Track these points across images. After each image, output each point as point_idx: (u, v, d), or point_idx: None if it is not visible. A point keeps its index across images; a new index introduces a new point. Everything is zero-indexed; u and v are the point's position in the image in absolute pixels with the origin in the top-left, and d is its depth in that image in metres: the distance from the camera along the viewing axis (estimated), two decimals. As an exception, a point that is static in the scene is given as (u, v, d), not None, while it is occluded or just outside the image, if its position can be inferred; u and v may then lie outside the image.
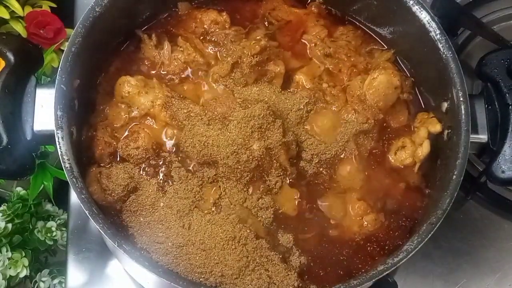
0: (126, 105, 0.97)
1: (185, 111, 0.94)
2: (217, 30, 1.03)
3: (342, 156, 0.96)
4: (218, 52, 1.02)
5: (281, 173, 0.92)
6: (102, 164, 0.93)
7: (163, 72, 1.01)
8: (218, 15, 1.04)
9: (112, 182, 0.89)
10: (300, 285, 0.87)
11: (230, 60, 0.98)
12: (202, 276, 0.84)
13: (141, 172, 0.93)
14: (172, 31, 1.06)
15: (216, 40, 1.03)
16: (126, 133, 0.95)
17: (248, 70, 0.97)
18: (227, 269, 0.84)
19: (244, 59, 0.97)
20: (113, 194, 0.89)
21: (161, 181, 0.92)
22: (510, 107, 0.92)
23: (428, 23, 0.94)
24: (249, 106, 0.93)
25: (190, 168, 0.93)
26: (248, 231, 0.88)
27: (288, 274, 0.86)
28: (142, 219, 0.89)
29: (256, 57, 0.97)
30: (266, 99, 0.96)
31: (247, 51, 0.97)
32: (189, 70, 1.01)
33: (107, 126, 0.96)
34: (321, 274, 0.90)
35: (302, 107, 0.97)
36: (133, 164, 0.93)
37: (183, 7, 1.07)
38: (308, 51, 1.05)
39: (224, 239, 0.85)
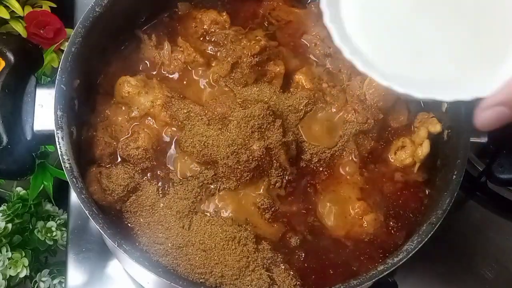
0: (126, 105, 0.97)
1: (185, 111, 0.94)
2: (217, 30, 1.03)
3: (342, 156, 0.97)
4: (218, 52, 1.01)
5: (281, 173, 0.92)
6: (102, 164, 0.93)
7: (163, 72, 1.01)
8: (218, 15, 1.04)
9: (112, 182, 0.89)
10: (301, 285, 0.87)
11: (230, 60, 0.98)
12: (202, 277, 0.84)
13: (141, 172, 0.93)
14: (172, 31, 1.06)
15: (216, 40, 1.02)
16: (126, 133, 0.95)
17: (248, 70, 0.97)
18: (227, 269, 0.84)
19: (244, 59, 0.97)
20: (113, 194, 0.89)
21: (161, 182, 0.92)
22: (510, 107, 0.92)
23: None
24: (249, 106, 0.93)
25: (190, 168, 0.93)
26: (248, 231, 0.88)
27: (290, 275, 0.86)
28: (142, 220, 0.89)
29: (256, 57, 0.97)
30: (266, 99, 0.96)
31: (247, 51, 0.97)
32: (189, 70, 1.01)
33: (107, 126, 0.96)
34: (322, 274, 0.89)
35: (302, 107, 0.97)
36: (133, 164, 0.93)
37: (183, 7, 1.07)
38: (308, 51, 1.05)
39: (224, 239, 0.85)
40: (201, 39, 1.04)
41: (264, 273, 0.85)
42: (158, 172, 0.93)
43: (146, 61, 1.02)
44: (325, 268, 0.90)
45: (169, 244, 0.86)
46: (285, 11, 1.08)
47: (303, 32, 1.07)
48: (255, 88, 0.98)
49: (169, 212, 0.89)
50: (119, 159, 0.94)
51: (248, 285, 0.84)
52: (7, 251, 1.26)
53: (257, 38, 1.00)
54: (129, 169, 0.92)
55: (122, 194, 0.89)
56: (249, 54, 0.97)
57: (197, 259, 0.84)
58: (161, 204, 0.90)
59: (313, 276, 0.89)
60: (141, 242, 0.87)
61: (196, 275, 0.84)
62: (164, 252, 0.85)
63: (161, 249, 0.86)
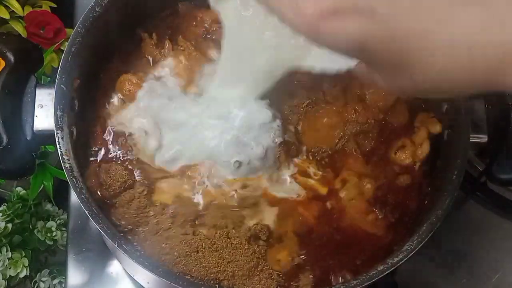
0: (126, 103, 0.96)
1: (185, 111, 0.94)
2: (218, 29, 1.03)
3: (342, 156, 0.96)
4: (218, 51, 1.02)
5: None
6: (102, 160, 0.93)
7: (163, 71, 1.01)
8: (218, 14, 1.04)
9: (110, 177, 0.89)
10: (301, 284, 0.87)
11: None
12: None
13: (141, 169, 0.92)
14: (173, 30, 1.06)
15: (216, 39, 1.03)
16: (127, 131, 0.95)
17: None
18: (237, 269, 0.84)
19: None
20: (109, 190, 0.89)
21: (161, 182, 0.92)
22: (510, 107, 0.92)
23: (428, 23, 0.94)
24: (249, 106, 0.93)
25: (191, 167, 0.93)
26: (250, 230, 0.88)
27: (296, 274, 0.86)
28: (140, 229, 0.89)
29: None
30: (266, 99, 0.96)
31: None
32: (190, 69, 1.01)
33: (107, 124, 0.96)
34: (322, 274, 0.89)
35: (302, 107, 0.97)
36: (132, 161, 0.92)
37: (184, 6, 1.07)
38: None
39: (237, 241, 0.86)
40: (202, 37, 1.04)
41: (273, 272, 0.85)
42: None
43: (146, 59, 1.02)
44: (325, 267, 0.90)
45: (176, 254, 0.85)
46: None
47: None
48: (255, 88, 0.98)
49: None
50: (119, 156, 0.93)
51: (257, 284, 0.84)
52: (7, 251, 1.26)
53: (257, 37, 1.00)
54: (128, 165, 0.92)
55: (118, 190, 0.89)
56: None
57: (209, 260, 0.85)
58: (152, 213, 0.89)
59: (313, 276, 0.89)
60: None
61: (212, 275, 0.84)
62: (174, 262, 0.85)
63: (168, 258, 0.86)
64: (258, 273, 0.85)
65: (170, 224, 0.88)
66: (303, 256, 0.89)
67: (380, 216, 0.93)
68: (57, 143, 0.83)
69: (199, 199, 0.90)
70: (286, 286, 0.86)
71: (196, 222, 0.88)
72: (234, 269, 0.84)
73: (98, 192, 0.88)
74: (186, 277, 0.83)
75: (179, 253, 0.85)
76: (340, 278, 0.88)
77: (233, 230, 0.87)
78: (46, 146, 1.29)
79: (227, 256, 0.85)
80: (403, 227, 0.93)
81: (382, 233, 0.92)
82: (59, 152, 0.83)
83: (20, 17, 1.34)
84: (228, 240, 0.86)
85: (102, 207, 0.88)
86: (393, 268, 0.81)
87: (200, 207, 0.89)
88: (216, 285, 0.84)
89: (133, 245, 0.84)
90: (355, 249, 0.91)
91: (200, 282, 0.83)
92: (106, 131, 0.95)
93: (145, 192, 0.90)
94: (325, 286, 0.86)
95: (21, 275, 1.27)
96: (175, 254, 0.85)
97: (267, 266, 0.86)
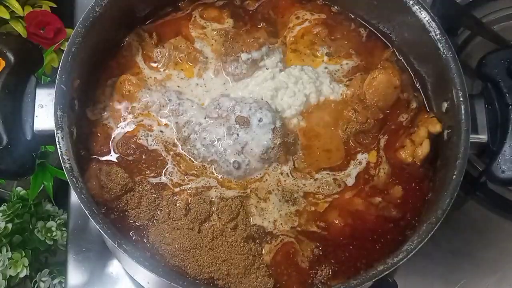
0: (126, 103, 0.97)
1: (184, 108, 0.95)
2: (218, 27, 1.03)
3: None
4: (218, 50, 1.02)
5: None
6: (102, 160, 0.93)
7: (163, 70, 1.01)
8: (219, 12, 1.05)
9: (111, 180, 0.89)
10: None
11: (230, 57, 0.98)
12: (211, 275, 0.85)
13: (141, 170, 0.92)
14: (173, 29, 1.06)
15: (216, 37, 1.02)
16: (127, 131, 0.95)
17: (248, 67, 0.98)
18: (233, 268, 0.84)
19: (244, 57, 0.97)
20: (110, 192, 0.89)
21: (163, 180, 0.92)
22: (510, 107, 0.92)
23: (428, 23, 0.94)
24: (249, 106, 0.93)
25: (193, 166, 0.93)
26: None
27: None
28: (146, 222, 0.89)
29: (256, 55, 0.97)
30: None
31: (246, 48, 0.98)
32: (190, 67, 1.01)
33: (107, 124, 0.96)
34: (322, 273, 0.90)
35: (302, 107, 0.97)
36: (133, 162, 0.93)
37: (184, 5, 1.07)
38: (308, 50, 1.05)
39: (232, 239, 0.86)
40: (202, 36, 1.04)
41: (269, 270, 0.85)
42: (161, 170, 0.93)
43: (146, 59, 1.02)
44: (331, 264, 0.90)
45: (176, 246, 0.86)
46: (286, 8, 1.09)
47: (304, 30, 1.07)
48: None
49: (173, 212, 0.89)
50: (119, 157, 0.93)
51: (254, 282, 0.84)
52: (7, 251, 1.26)
53: (257, 36, 1.00)
54: (128, 167, 0.92)
55: (119, 193, 0.89)
56: (249, 51, 0.97)
57: (205, 258, 0.85)
58: (164, 202, 0.90)
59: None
60: (148, 242, 0.87)
61: (205, 274, 0.84)
62: (172, 254, 0.86)
63: (168, 249, 0.86)
64: (254, 271, 0.85)
65: (181, 215, 0.88)
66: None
67: (380, 217, 0.93)
68: (57, 143, 0.83)
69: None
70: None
71: (205, 221, 0.88)
72: (229, 267, 0.84)
73: (99, 194, 0.89)
74: (183, 273, 0.84)
75: (180, 247, 0.86)
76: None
77: (233, 230, 0.87)
78: (46, 146, 1.29)
79: (221, 255, 0.85)
80: (403, 228, 0.93)
81: (382, 233, 0.93)
82: (59, 152, 0.83)
83: (20, 17, 1.34)
84: (224, 238, 0.87)
85: (114, 219, 0.88)
86: (393, 268, 0.81)
87: (214, 208, 0.89)
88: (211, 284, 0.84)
89: (135, 242, 0.84)
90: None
91: (197, 281, 0.83)
92: (107, 132, 0.95)
93: (152, 189, 0.90)
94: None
95: (21, 275, 1.27)
96: (175, 246, 0.86)
97: (263, 264, 0.86)
